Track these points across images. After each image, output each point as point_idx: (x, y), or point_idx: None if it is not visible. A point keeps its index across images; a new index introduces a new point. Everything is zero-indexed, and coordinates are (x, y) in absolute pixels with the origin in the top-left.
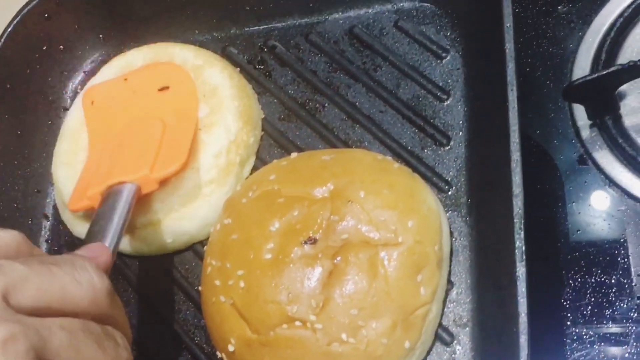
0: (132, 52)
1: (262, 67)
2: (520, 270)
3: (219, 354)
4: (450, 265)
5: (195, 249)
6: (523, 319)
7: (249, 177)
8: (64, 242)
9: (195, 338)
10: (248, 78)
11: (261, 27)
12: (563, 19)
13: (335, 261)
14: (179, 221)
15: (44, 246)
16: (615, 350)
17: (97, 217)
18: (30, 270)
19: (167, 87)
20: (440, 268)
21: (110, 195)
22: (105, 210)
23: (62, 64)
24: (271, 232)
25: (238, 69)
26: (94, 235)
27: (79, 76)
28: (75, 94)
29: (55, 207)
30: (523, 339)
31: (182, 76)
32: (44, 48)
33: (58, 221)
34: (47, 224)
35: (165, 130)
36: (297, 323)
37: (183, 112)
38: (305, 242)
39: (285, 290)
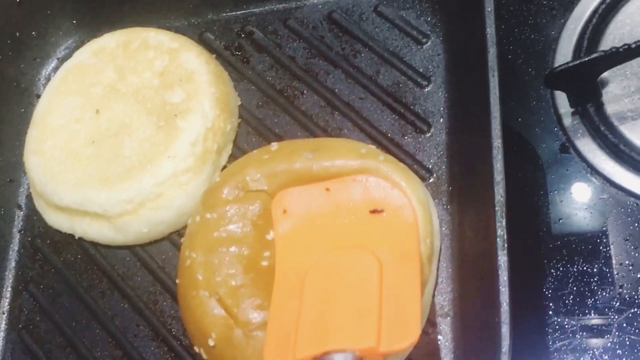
0: (105, 36)
1: (240, 53)
2: (502, 259)
3: (196, 349)
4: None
5: (172, 239)
6: (505, 308)
7: (227, 167)
8: (37, 232)
9: (172, 330)
10: (225, 65)
11: (238, 13)
12: (545, 5)
13: None
14: (155, 210)
15: (17, 237)
16: (597, 340)
17: None
18: None
19: (381, 211)
20: (430, 262)
21: None
22: None
23: (34, 50)
24: (267, 240)
25: (214, 55)
26: None
27: (52, 63)
28: (48, 80)
29: (28, 197)
30: (505, 329)
31: (399, 199)
32: (16, 34)
33: (32, 211)
34: (20, 214)
35: (383, 274)
36: None
37: (403, 250)
38: None
39: None
